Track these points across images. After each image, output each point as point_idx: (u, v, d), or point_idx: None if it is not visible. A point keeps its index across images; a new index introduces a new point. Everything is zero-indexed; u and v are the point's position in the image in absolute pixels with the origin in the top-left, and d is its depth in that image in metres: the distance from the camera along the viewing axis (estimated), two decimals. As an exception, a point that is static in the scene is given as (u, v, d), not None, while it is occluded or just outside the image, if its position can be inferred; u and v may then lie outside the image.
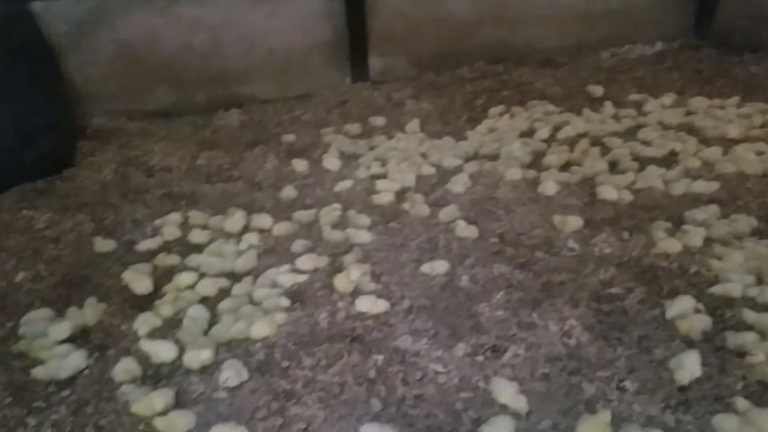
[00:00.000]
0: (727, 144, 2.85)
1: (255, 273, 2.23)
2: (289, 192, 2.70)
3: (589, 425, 1.59)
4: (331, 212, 2.53)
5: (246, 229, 2.46)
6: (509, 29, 3.99)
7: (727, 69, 3.73)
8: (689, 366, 1.71)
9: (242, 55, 3.55)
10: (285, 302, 2.06)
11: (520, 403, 1.67)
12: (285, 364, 1.85)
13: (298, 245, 2.36)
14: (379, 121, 3.34)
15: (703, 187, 2.54)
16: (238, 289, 2.15)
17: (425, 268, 2.22)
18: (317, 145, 3.12)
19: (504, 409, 1.68)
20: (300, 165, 2.90)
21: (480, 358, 1.84)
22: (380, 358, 1.86)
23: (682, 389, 1.68)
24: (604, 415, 1.61)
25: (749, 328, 1.86)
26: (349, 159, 2.96)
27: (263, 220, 2.49)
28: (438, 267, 2.22)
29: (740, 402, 1.61)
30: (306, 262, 2.24)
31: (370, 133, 3.23)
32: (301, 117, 3.45)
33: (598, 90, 3.54)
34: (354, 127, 3.26)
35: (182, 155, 3.00)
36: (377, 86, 3.77)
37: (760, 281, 2.03)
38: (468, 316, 2.01)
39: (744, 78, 3.58)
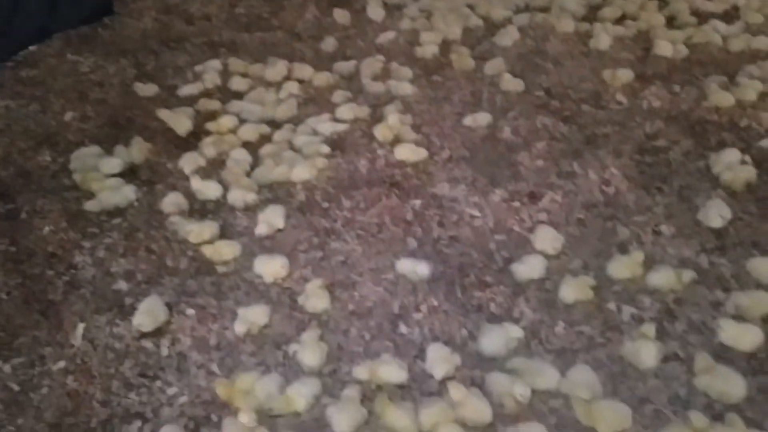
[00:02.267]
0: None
1: (295, 121, 2.23)
2: (329, 43, 2.64)
3: (621, 264, 1.62)
4: (373, 64, 2.48)
5: (286, 78, 2.44)
6: None
7: None
8: (724, 211, 1.69)
9: None
10: (325, 149, 2.07)
11: (555, 244, 1.70)
12: (325, 205, 1.90)
13: (338, 96, 2.34)
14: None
15: (763, 42, 2.40)
16: (278, 135, 2.16)
17: (467, 120, 2.20)
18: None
19: (540, 250, 1.71)
20: (341, 15, 2.81)
21: (516, 204, 1.85)
22: (418, 202, 1.89)
23: (719, 235, 1.68)
24: (637, 256, 1.63)
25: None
26: (392, 9, 2.85)
27: (303, 70, 2.46)
28: (480, 119, 2.19)
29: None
30: (346, 112, 2.23)
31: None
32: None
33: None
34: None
35: (221, 3, 2.93)
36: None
37: (814, 136, 1.95)
38: (507, 165, 2.00)
39: None
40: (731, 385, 1.34)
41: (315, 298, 1.59)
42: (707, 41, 2.46)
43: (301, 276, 1.67)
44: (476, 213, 1.84)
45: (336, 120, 2.22)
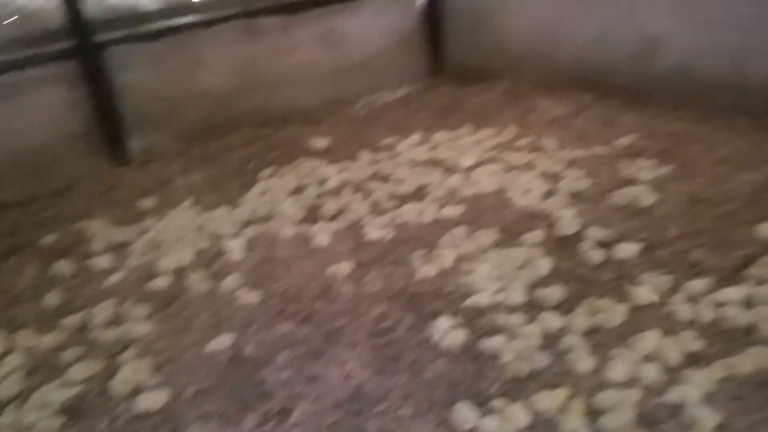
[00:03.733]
0: (467, 170, 3.23)
1: (22, 397, 2.06)
2: (53, 298, 2.53)
3: (374, 459, 1.71)
4: (103, 310, 2.43)
5: (8, 350, 2.26)
6: (269, 94, 4.17)
7: (462, 102, 4.23)
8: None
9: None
10: (58, 422, 1.92)
11: (311, 459, 1.74)
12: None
13: (69, 355, 2.22)
14: (148, 202, 3.27)
15: (450, 212, 2.86)
16: (4, 419, 1.97)
17: (210, 346, 2.23)
18: (82, 240, 2.97)
19: (298, 468, 1.73)
20: (64, 266, 2.74)
21: (269, 426, 1.88)
22: (170, 453, 1.82)
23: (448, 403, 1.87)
24: (388, 446, 1.74)
25: (500, 331, 2.12)
26: (118, 249, 2.86)
27: (26, 337, 2.31)
28: (222, 342, 2.24)
29: (497, 401, 1.83)
30: (78, 372, 2.12)
31: (140, 216, 3.14)
32: (61, 213, 3.26)
33: (354, 139, 3.81)
34: (122, 214, 3.16)
35: None
36: (143, 167, 3.69)
37: (502, 288, 2.32)
38: (255, 384, 2.04)
39: (476, 108, 4.08)
40: None
41: None
42: (406, 220, 2.85)
43: None
44: (231, 447, 1.83)
45: (68, 383, 2.09)
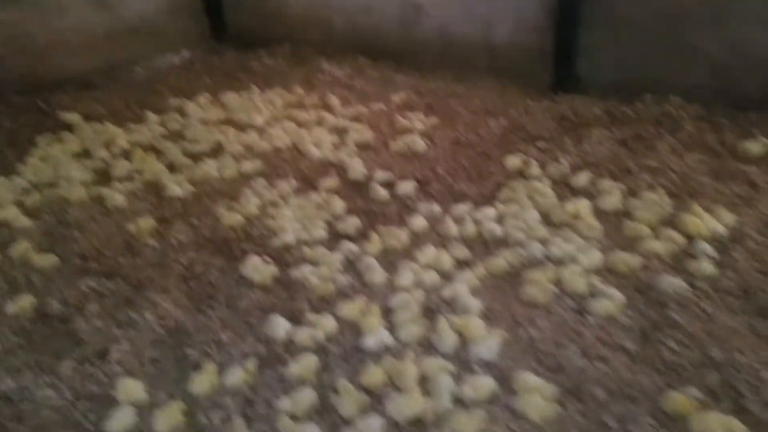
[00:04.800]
0: (260, 127, 3.39)
1: None
2: None
3: (199, 381, 1.84)
4: None
5: None
6: (37, 60, 3.89)
7: (247, 66, 4.33)
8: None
9: None
10: None
11: (135, 390, 1.82)
12: None
13: None
14: None
15: (249, 166, 3.01)
16: None
17: (9, 308, 2.16)
18: None
19: (125, 402, 1.80)
20: None
21: (88, 367, 1.91)
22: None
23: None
24: (210, 368, 1.88)
25: (307, 262, 2.35)
26: None
27: None
28: (23, 302, 2.18)
29: (308, 315, 2.06)
30: None
31: None
32: None
33: (138, 102, 3.75)
34: None
35: None
36: None
37: (305, 226, 2.55)
38: (67, 335, 2.04)
39: (261, 71, 4.23)
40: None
41: None
42: (206, 176, 2.94)
43: None
44: (50, 393, 1.83)
45: None
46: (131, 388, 1.83)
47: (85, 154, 3.18)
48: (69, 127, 3.44)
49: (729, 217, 2.30)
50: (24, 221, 2.65)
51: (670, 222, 2.33)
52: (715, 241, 2.21)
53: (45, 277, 2.33)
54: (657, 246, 2.22)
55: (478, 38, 3.85)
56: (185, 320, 2.10)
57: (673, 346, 1.82)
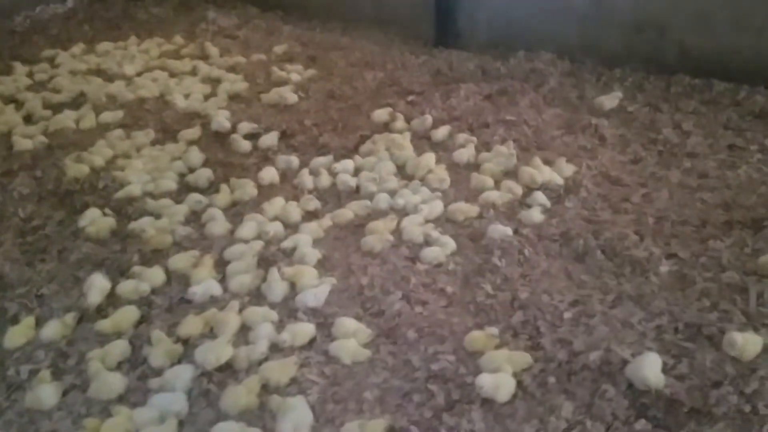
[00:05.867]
0: (130, 78, 3.26)
1: None
2: None
3: (14, 334, 1.79)
4: None
5: None
6: None
7: (132, 14, 4.15)
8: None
9: None
10: None
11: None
12: None
13: None
14: None
15: (108, 116, 2.90)
16: None
17: None
18: None
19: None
20: None
21: None
22: None
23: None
24: (28, 321, 1.83)
25: (149, 214, 2.29)
26: None
27: None
28: None
29: (136, 268, 2.01)
30: None
31: None
32: None
33: (9, 53, 3.57)
34: None
35: None
36: None
37: (155, 178, 2.48)
38: None
39: (145, 19, 4.06)
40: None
41: None
42: (62, 127, 2.82)
43: None
44: None
45: None
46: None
47: (-65, 103, 3.01)
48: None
49: (569, 168, 2.36)
50: None
51: (513, 174, 2.37)
52: (550, 191, 2.26)
53: None
54: (496, 196, 2.26)
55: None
56: (11, 273, 2.03)
57: (488, 289, 1.87)
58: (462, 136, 2.63)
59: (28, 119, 2.91)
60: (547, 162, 2.38)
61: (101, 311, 1.88)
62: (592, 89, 2.93)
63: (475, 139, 2.60)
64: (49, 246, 2.17)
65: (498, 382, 1.53)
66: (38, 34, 3.90)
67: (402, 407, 1.56)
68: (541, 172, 2.32)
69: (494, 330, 1.69)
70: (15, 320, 1.86)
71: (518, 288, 1.85)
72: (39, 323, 1.84)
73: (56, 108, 2.99)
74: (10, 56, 3.56)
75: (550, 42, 3.23)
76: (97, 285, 1.92)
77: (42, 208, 2.34)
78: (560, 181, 2.31)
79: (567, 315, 1.76)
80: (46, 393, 1.62)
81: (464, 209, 2.22)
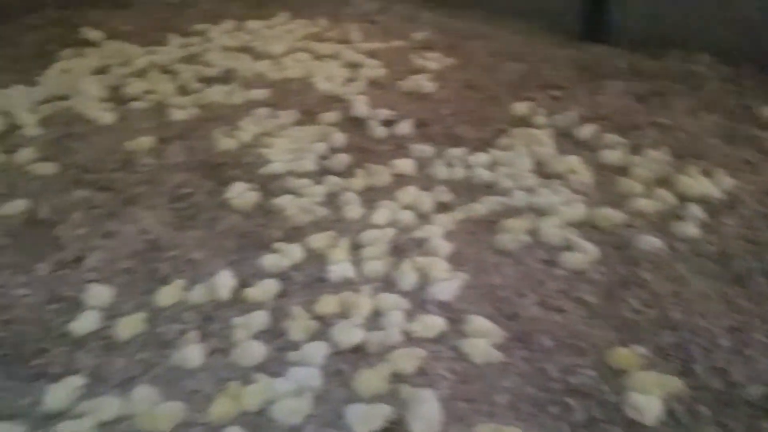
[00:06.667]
0: (276, 57, 3.37)
1: None
2: None
3: (165, 294, 1.91)
4: None
5: None
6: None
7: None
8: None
9: None
10: None
11: (104, 296, 1.90)
12: None
13: None
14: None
15: (255, 94, 3.01)
16: None
17: (3, 210, 2.27)
18: None
19: (92, 307, 1.88)
20: None
21: (63, 272, 2.00)
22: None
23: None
24: (178, 283, 1.94)
25: (291, 192, 2.36)
26: None
27: None
28: (17, 206, 2.29)
29: (278, 244, 2.09)
30: None
31: None
32: None
33: (165, 24, 3.77)
34: None
35: None
36: None
37: (297, 158, 2.56)
38: (49, 240, 2.13)
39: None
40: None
41: None
42: (212, 101, 2.96)
43: None
44: (24, 291, 1.93)
45: None
46: (100, 295, 1.91)
47: (103, 70, 3.24)
48: (93, 44, 3.51)
49: (728, 182, 2.18)
50: (34, 130, 2.75)
51: (666, 182, 2.22)
52: (707, 204, 2.10)
53: (42, 183, 2.42)
54: (645, 204, 2.13)
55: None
56: (164, 237, 2.16)
57: (635, 304, 1.77)
58: (609, 137, 2.51)
59: (182, 90, 3.07)
60: (705, 172, 2.22)
61: (245, 281, 1.97)
62: (755, 98, 2.69)
63: (624, 140, 2.46)
64: (198, 214, 2.28)
65: (645, 405, 1.45)
66: (191, 8, 4.09)
67: (536, 417, 1.51)
68: (698, 182, 2.16)
69: (642, 349, 1.60)
70: (165, 281, 1.98)
71: (669, 306, 1.74)
72: (187, 286, 1.95)
73: (207, 82, 3.14)
74: (165, 28, 3.75)
75: (710, 44, 3.00)
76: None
77: (193, 177, 2.47)
78: (718, 194, 2.14)
79: (723, 342, 1.63)
80: (192, 353, 1.72)
81: (609, 215, 2.11)
